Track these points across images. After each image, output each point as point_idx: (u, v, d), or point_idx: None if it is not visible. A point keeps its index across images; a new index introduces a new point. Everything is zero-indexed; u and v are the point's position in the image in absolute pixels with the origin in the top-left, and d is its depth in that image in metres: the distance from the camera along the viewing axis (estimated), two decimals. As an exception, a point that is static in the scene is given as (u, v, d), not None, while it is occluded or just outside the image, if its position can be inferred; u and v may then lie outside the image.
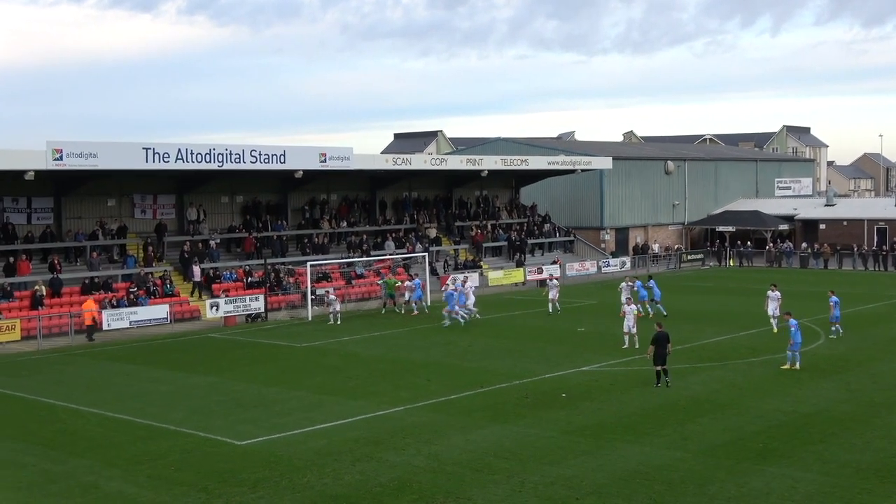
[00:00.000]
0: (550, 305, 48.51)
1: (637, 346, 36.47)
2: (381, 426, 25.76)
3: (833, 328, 39.66)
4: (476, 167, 62.94)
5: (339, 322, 45.42)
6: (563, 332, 42.01)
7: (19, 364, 37.14)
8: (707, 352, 36.62)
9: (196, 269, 50.63)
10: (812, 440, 23.83)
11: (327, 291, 49.19)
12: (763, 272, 70.95)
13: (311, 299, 49.63)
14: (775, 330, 40.41)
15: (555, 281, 50.75)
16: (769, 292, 41.74)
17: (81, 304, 44.53)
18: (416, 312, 48.37)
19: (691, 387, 30.11)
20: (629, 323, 36.93)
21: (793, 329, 32.59)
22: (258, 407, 28.47)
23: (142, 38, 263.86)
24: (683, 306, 50.20)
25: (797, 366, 32.26)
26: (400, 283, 51.43)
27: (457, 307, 45.00)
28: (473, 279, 59.35)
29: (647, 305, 45.88)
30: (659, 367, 29.89)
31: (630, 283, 47.68)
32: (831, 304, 40.02)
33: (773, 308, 41.21)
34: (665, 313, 45.66)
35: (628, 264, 71.16)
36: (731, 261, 77.43)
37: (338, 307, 46.53)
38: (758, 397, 28.52)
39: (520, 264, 65.60)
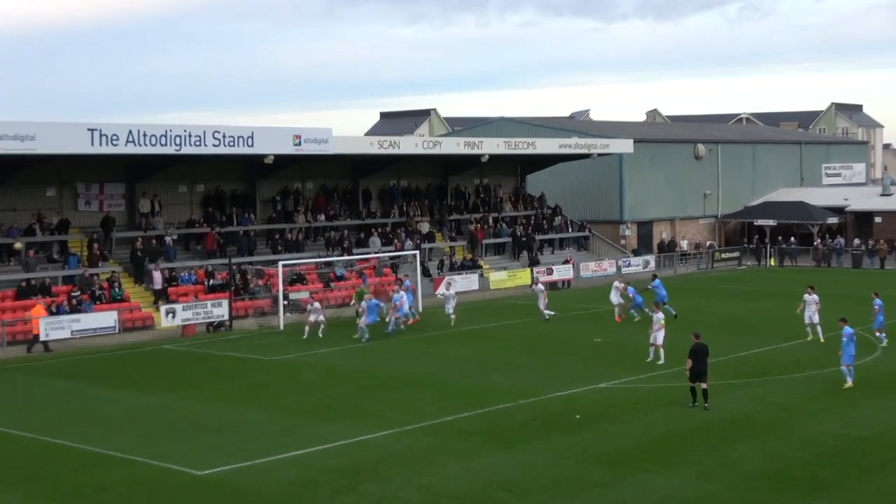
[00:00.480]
0: (546, 313, 48.75)
1: (661, 361, 36.36)
2: (364, 453, 25.64)
3: (879, 335, 39.74)
4: (475, 151, 62.84)
5: (319, 335, 44.66)
6: (577, 343, 41.91)
7: (-58, 381, 36.97)
8: (745, 366, 36.55)
9: (157, 276, 50.30)
10: (869, 468, 23.76)
11: (311, 294, 48.83)
12: (809, 273, 70.84)
13: (284, 305, 49.50)
14: (822, 339, 40.41)
15: (540, 286, 50.82)
16: (806, 296, 41.84)
17: (28, 310, 44.51)
18: (411, 321, 48.15)
19: (726, 407, 30.00)
20: (655, 330, 36.76)
21: (845, 339, 32.38)
22: (221, 430, 28.34)
23: (86, 2, 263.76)
24: (716, 312, 50.15)
25: (850, 382, 32.04)
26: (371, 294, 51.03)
27: (395, 316, 45.30)
28: (472, 280, 59.31)
29: (646, 311, 45.83)
30: (695, 384, 29.71)
31: (620, 285, 48.47)
32: (875, 307, 40.14)
33: (810, 314, 41.32)
34: (675, 313, 46.07)
35: (652, 263, 71.03)
36: (772, 260, 77.43)
37: (321, 317, 45.40)
38: (804, 419, 28.45)
39: (535, 263, 65.51)
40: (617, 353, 39.24)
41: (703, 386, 29.62)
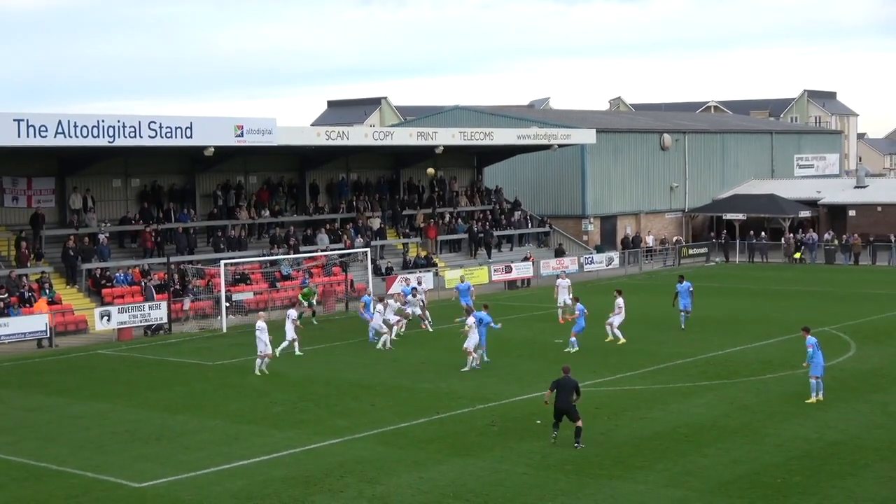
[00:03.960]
0: (560, 312, 47.76)
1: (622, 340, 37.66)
2: (314, 462, 25.78)
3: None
4: (429, 142, 63.01)
5: (265, 370, 37.92)
6: (538, 345, 42.20)
7: None
8: (712, 367, 37.01)
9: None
10: (841, 473, 24.20)
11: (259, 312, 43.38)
12: (780, 269, 71.73)
13: (226, 307, 49.47)
14: (622, 340, 41.79)
15: (567, 280, 49.50)
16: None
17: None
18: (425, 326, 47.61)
19: (693, 410, 30.41)
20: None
21: (811, 349, 31.32)
22: (161, 440, 28.38)
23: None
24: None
25: (820, 396, 31.24)
26: (317, 290, 51.20)
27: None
28: (426, 280, 59.36)
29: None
30: (560, 421, 27.00)
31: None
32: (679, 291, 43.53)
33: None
34: (683, 327, 45.26)
35: (616, 261, 71.57)
36: (759, 256, 77.95)
37: (268, 349, 37.88)
38: (775, 422, 28.89)
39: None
40: (579, 355, 39.54)
41: (578, 424, 26.80)
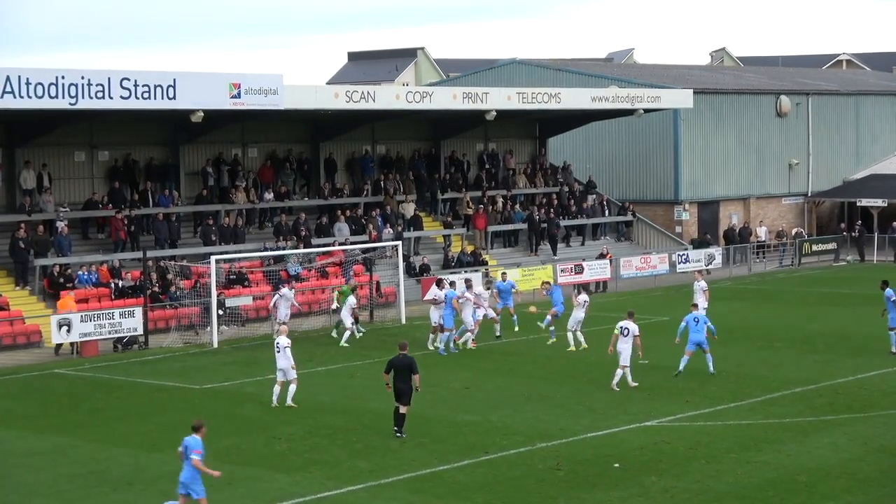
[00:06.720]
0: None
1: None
2: (328, 515, 25.85)
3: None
4: (477, 106, 62.94)
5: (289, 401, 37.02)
6: (615, 367, 42.06)
7: None
8: (842, 397, 36.78)
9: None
10: None
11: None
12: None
13: (218, 315, 49.60)
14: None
15: (703, 283, 50.02)
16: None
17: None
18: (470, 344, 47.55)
19: (816, 452, 30.23)
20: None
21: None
22: (134, 484, 28.51)
23: None
24: (804, 325, 50.41)
25: None
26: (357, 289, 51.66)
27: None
28: (476, 281, 59.34)
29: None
30: (403, 408, 31.88)
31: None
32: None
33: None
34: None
35: (718, 259, 71.23)
36: None
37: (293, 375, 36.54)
38: (922, 468, 28.73)
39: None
40: (669, 379, 39.41)
41: (403, 410, 31.96)
